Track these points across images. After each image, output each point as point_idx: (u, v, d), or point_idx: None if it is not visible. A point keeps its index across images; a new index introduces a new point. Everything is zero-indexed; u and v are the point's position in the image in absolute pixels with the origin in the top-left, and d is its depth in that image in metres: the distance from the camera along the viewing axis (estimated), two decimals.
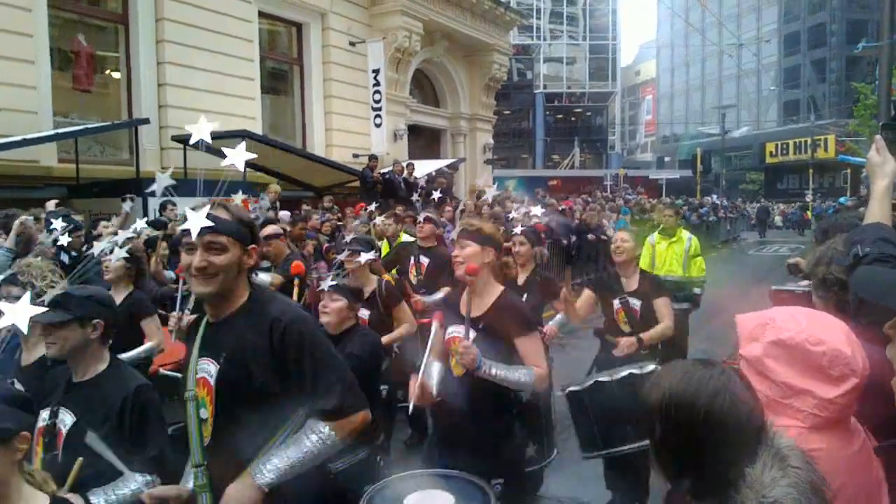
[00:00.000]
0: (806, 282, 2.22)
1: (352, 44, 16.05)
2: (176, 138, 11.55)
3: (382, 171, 13.48)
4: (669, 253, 6.94)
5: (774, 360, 1.47)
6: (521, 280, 4.85)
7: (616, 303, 4.44)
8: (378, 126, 16.17)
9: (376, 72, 16.07)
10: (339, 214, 10.78)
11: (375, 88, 16.16)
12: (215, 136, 9.24)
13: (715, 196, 32.08)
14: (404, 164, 14.00)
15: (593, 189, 28.33)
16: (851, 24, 48.86)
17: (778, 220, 33.59)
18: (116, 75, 12.20)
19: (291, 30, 15.71)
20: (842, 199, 21.39)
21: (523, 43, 51.27)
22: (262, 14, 14.32)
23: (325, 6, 15.48)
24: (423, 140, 19.91)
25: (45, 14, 10.50)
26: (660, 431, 1.28)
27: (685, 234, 7.13)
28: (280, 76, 15.90)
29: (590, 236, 14.66)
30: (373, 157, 13.34)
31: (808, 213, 31.57)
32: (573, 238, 14.09)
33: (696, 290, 6.93)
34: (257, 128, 13.25)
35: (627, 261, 4.46)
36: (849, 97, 41.62)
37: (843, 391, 1.42)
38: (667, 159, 64.85)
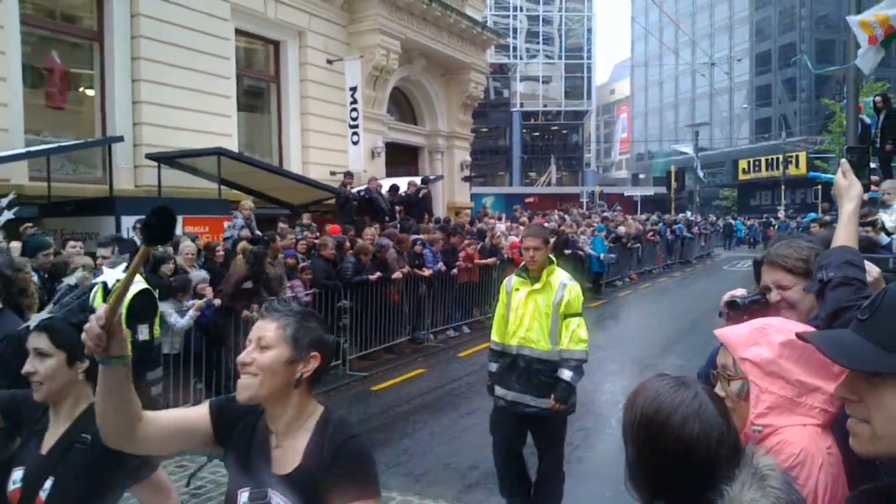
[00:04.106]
0: (742, 291, 2.25)
1: (329, 62, 16.07)
2: (150, 156, 11.44)
3: (359, 188, 13.47)
4: (529, 307, 4.25)
5: (788, 359, 1.52)
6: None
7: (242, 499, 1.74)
8: (355, 143, 16.17)
9: (353, 89, 16.09)
10: (318, 233, 10.74)
11: (353, 106, 16.18)
12: (192, 153, 9.30)
13: (689, 212, 32.50)
14: (383, 183, 14.02)
15: (570, 206, 28.59)
16: (820, 43, 50.05)
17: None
18: (90, 93, 12.08)
19: (269, 47, 15.70)
20: (810, 215, 21.75)
21: (500, 62, 51.79)
22: (238, 32, 14.30)
23: (303, 24, 15.51)
24: (401, 157, 19.94)
25: (18, 31, 10.38)
26: (632, 453, 1.30)
27: (559, 277, 4.29)
28: (257, 93, 15.86)
29: (566, 251, 14.76)
30: (348, 174, 13.32)
31: (772, 228, 32.09)
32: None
33: (564, 375, 4.15)
34: (233, 145, 13.17)
35: (267, 400, 1.72)
36: (819, 115, 42.54)
37: None
38: (641, 176, 65.72)
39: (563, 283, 4.25)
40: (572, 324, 4.21)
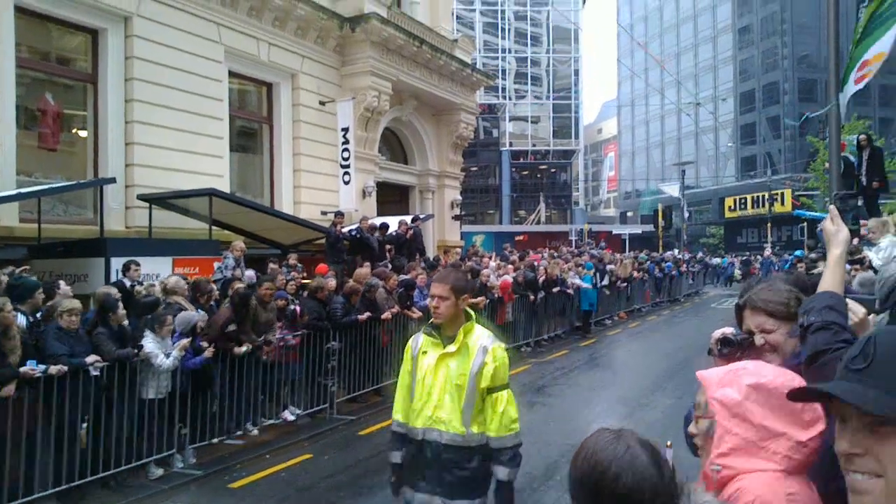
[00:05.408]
0: (731, 329, 2.29)
1: (322, 103, 16.28)
2: (142, 197, 11.48)
3: (349, 227, 13.51)
4: (440, 377, 3.26)
5: (754, 402, 1.52)
6: None
7: None
8: (347, 183, 16.29)
9: (345, 130, 16.28)
10: (304, 273, 10.73)
11: (344, 146, 16.35)
12: (183, 194, 9.36)
13: (676, 250, 32.70)
14: (377, 223, 14.06)
15: (559, 244, 28.76)
16: (802, 82, 51.25)
17: (737, 273, 34.24)
18: (83, 134, 12.16)
19: (261, 89, 15.89)
20: (798, 252, 21.94)
21: (489, 102, 52.57)
22: (232, 74, 14.49)
23: (296, 67, 15.73)
24: (392, 196, 20.07)
25: (13, 73, 10.47)
26: None
27: (479, 338, 3.30)
28: (249, 134, 15.99)
29: (555, 290, 14.81)
30: (338, 214, 13.37)
31: (755, 266, 32.28)
32: (540, 293, 14.21)
33: (501, 474, 3.18)
34: (225, 185, 13.23)
35: None
36: (803, 152, 43.23)
37: (813, 434, 1.50)
38: (629, 214, 66.32)
39: (484, 347, 3.24)
40: (500, 401, 3.20)
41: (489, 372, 3.20)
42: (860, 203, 10.84)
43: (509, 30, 59.10)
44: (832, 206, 2.23)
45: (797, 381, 1.55)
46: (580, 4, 62.22)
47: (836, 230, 2.13)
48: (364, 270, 10.81)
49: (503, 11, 58.51)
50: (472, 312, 3.40)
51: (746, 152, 58.18)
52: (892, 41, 8.20)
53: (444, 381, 3.24)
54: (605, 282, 17.55)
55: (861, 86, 9.08)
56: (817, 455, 1.52)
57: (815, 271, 9.04)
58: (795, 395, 1.34)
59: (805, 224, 32.44)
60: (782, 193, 41.97)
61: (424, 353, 3.35)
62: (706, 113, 54.67)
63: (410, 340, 3.50)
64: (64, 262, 9.27)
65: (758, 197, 44.58)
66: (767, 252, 32.96)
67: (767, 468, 1.50)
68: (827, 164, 12.81)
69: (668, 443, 1.89)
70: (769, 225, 40.25)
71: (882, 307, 4.32)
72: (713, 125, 59.38)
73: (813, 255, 13.84)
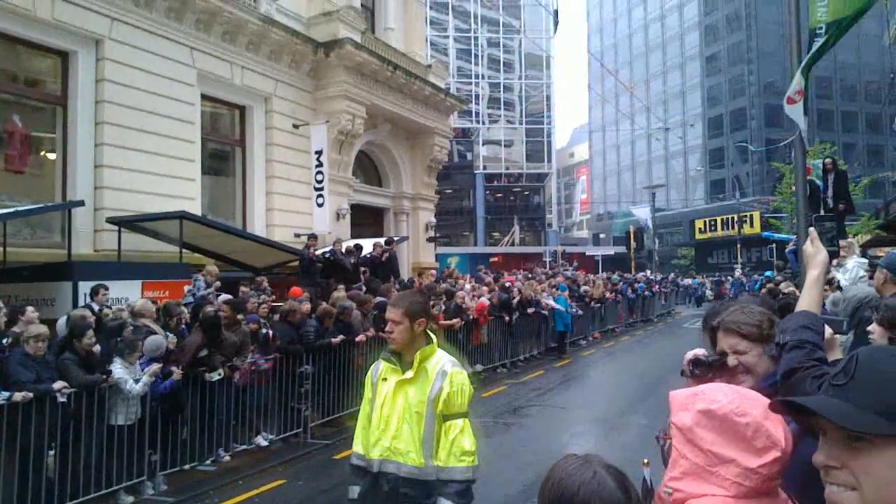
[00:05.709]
0: (702, 351, 2.32)
1: (295, 126, 16.26)
2: (111, 220, 11.31)
3: (324, 249, 13.45)
4: (398, 404, 3.14)
5: (703, 428, 1.52)
6: None
7: None
8: (320, 206, 16.23)
9: (319, 153, 16.26)
10: (274, 296, 10.61)
11: (318, 169, 16.31)
12: (154, 216, 9.24)
13: (648, 271, 33.04)
14: (351, 245, 14.03)
15: (533, 265, 28.92)
16: (769, 108, 52.55)
17: (709, 293, 34.61)
18: (52, 156, 11.98)
19: (234, 112, 15.84)
20: (768, 273, 22.31)
21: (463, 126, 53.01)
22: (204, 97, 14.42)
23: (269, 90, 15.73)
24: (367, 219, 20.06)
25: None
26: None
27: (439, 362, 3.16)
28: (221, 157, 15.89)
29: (530, 310, 14.86)
30: (312, 236, 13.31)
31: (726, 287, 32.67)
32: (515, 314, 14.25)
33: None
34: (196, 208, 13.11)
35: None
36: (770, 175, 44.19)
37: (764, 462, 1.48)
38: (602, 236, 66.99)
39: (444, 372, 3.09)
40: (453, 429, 3.03)
41: (443, 397, 3.05)
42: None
43: (482, 56, 59.87)
44: (811, 229, 2.30)
45: (755, 406, 1.53)
46: (552, 32, 63.25)
47: (815, 252, 2.21)
48: (341, 294, 10.75)
49: (476, 38, 59.30)
50: (434, 336, 3.26)
51: (715, 175, 59.34)
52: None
53: (403, 410, 3.09)
54: (574, 308, 17.50)
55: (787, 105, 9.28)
56: (773, 481, 1.52)
57: (788, 291, 9.21)
58: (776, 407, 1.36)
59: (774, 245, 33.05)
60: (751, 215, 42.78)
61: (384, 379, 3.21)
62: (675, 138, 55.82)
63: (371, 367, 3.36)
64: (30, 287, 9.07)
65: (727, 219, 45.40)
66: (738, 273, 33.40)
67: (717, 493, 1.48)
68: (793, 188, 13.10)
69: (645, 460, 1.89)
70: (739, 246, 40.96)
71: (848, 326, 4.42)
72: (682, 149, 60.59)
73: (778, 278, 14.14)
